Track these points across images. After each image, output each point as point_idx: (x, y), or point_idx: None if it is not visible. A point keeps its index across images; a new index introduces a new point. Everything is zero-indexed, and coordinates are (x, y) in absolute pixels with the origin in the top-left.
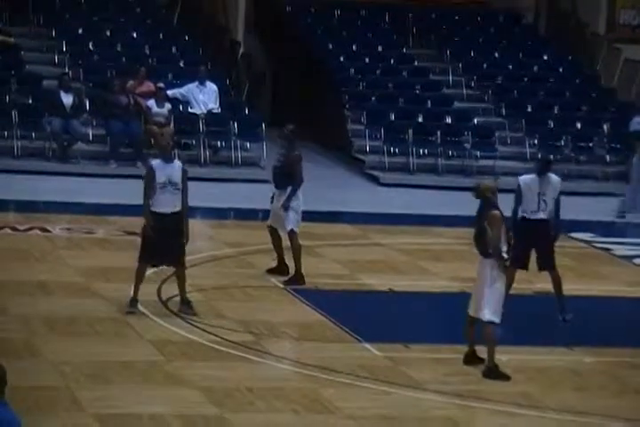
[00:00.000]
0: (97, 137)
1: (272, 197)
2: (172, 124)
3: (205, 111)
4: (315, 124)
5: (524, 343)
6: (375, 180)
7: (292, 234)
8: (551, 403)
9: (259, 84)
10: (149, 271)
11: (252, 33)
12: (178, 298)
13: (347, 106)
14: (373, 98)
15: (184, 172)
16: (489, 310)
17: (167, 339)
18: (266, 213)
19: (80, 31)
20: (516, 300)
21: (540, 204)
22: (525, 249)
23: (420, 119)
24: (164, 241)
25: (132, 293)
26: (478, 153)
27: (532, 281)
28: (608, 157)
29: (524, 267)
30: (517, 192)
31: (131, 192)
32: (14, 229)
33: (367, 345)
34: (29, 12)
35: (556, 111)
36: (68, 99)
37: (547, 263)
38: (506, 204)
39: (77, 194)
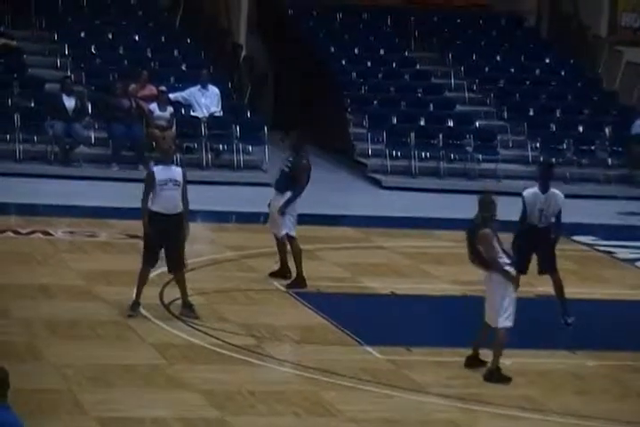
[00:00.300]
0: (99, 140)
1: (269, 204)
2: (174, 128)
3: (207, 114)
4: (317, 127)
5: (527, 347)
6: (377, 183)
7: (289, 238)
8: (553, 406)
9: (261, 88)
10: (151, 275)
11: (254, 36)
12: (180, 301)
13: (349, 109)
14: (375, 101)
15: (184, 174)
16: (502, 317)
17: (169, 342)
18: (267, 217)
19: (82, 35)
20: (518, 303)
21: (540, 218)
22: (525, 253)
23: (422, 122)
24: (165, 244)
25: (134, 296)
26: (480, 156)
27: (534, 284)
28: (610, 160)
29: (523, 271)
30: (522, 205)
31: (133, 195)
32: (16, 232)
33: (369, 348)
34: (32, 16)
35: (557, 114)
36: (70, 102)
37: (548, 266)
38: (507, 207)
39: (79, 197)
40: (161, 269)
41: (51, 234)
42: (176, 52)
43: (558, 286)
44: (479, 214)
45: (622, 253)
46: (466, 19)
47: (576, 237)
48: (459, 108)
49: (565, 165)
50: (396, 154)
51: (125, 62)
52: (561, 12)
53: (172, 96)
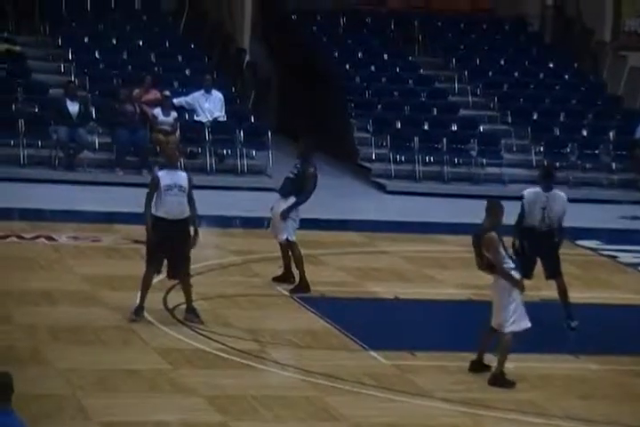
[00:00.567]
0: (103, 145)
1: (272, 207)
2: (177, 133)
3: (211, 119)
4: (320, 132)
5: (530, 351)
6: (381, 187)
7: (289, 243)
8: (557, 411)
9: (264, 93)
10: (155, 280)
11: (257, 41)
12: (184, 306)
13: (352, 114)
14: (379, 106)
15: (189, 179)
16: (509, 322)
17: (173, 347)
18: (270, 221)
19: (86, 40)
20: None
21: (543, 218)
22: (529, 258)
23: (426, 127)
24: (169, 251)
25: (137, 300)
26: (484, 160)
27: (540, 288)
28: (614, 165)
29: (528, 277)
30: (521, 205)
31: (137, 200)
32: (20, 237)
33: (373, 353)
34: (35, 21)
35: (561, 119)
36: (74, 107)
37: (552, 272)
38: (512, 212)
39: (83, 202)
40: (165, 274)
41: (55, 239)
42: (180, 57)
43: (562, 291)
44: (486, 220)
45: (626, 258)
46: (470, 23)
47: (580, 242)
48: (462, 112)
49: (569, 169)
50: (400, 158)
51: (129, 67)
52: (565, 17)
53: (175, 101)
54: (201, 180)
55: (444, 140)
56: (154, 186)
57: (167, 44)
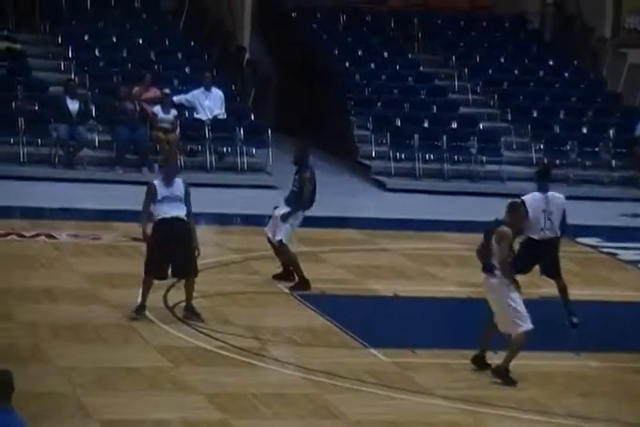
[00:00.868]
0: (103, 143)
1: (275, 207)
2: (177, 131)
3: (211, 117)
4: (320, 129)
5: (531, 348)
6: (381, 185)
7: (282, 245)
8: (557, 408)
9: (264, 90)
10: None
11: (257, 39)
12: (184, 304)
13: (352, 111)
14: (379, 103)
15: (187, 188)
16: (520, 321)
17: (173, 345)
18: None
19: (86, 38)
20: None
21: (545, 222)
22: (528, 262)
23: (426, 124)
24: (170, 251)
25: (139, 299)
26: (484, 158)
27: (539, 285)
28: (614, 162)
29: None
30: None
31: (137, 198)
32: (20, 235)
33: (373, 351)
34: (35, 19)
35: (561, 116)
36: (74, 105)
37: (552, 273)
38: None
39: (83, 200)
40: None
41: (55, 237)
42: (180, 55)
43: (562, 289)
44: (507, 218)
45: (626, 255)
46: (469, 21)
47: (580, 239)
48: (462, 110)
49: (569, 166)
50: (400, 156)
51: (129, 65)
52: (565, 14)
53: (175, 99)
54: (201, 177)
55: (444, 137)
56: (150, 196)
57: (167, 42)
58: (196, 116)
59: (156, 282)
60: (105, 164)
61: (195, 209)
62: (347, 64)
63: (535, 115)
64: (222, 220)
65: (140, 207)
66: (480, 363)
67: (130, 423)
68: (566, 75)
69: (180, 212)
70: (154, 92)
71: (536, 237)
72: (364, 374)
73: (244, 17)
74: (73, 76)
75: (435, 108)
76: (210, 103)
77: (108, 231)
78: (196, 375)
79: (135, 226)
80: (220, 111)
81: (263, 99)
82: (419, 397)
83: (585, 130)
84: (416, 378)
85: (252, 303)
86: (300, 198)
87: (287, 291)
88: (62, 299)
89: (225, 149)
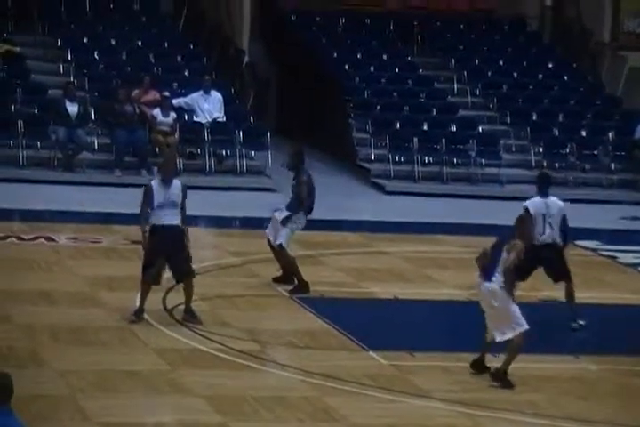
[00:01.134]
0: (102, 146)
1: (275, 209)
2: (176, 134)
3: (210, 120)
4: (320, 132)
5: (530, 351)
6: (380, 188)
7: (281, 249)
8: (556, 411)
9: (263, 93)
10: None
11: (256, 42)
12: (182, 307)
13: (352, 114)
14: (378, 106)
15: (184, 191)
16: (517, 326)
17: (172, 348)
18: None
19: (85, 40)
20: (521, 307)
21: (545, 226)
22: (527, 268)
23: (425, 127)
24: (168, 257)
25: (137, 303)
26: (483, 161)
27: (539, 289)
28: (613, 165)
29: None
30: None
31: (135, 201)
32: (20, 238)
33: (372, 353)
34: (34, 22)
35: (560, 119)
36: (73, 108)
37: (562, 276)
38: (510, 212)
39: (83, 203)
40: (165, 275)
41: (54, 240)
42: (179, 58)
43: (569, 293)
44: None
45: (625, 258)
46: (469, 24)
47: (579, 242)
48: (461, 112)
49: (568, 169)
50: (399, 159)
51: (128, 68)
52: (564, 17)
53: (174, 102)
54: (200, 180)
55: (443, 140)
56: (147, 198)
57: (166, 45)
58: (195, 119)
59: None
60: (104, 166)
61: (194, 212)
62: (346, 67)
63: (534, 118)
64: (221, 223)
65: (138, 210)
66: (479, 367)
67: (129, 426)
68: (565, 78)
69: (173, 219)
70: (153, 95)
71: (535, 242)
72: (363, 377)
73: (242, 20)
74: (72, 79)
75: (434, 110)
76: (209, 106)
77: (107, 234)
78: (194, 378)
79: (134, 229)
80: (219, 114)
81: (262, 102)
82: (417, 399)
83: (584, 133)
84: (415, 381)
85: (251, 306)
86: (298, 202)
87: (286, 294)
88: (61, 302)
89: (224, 152)
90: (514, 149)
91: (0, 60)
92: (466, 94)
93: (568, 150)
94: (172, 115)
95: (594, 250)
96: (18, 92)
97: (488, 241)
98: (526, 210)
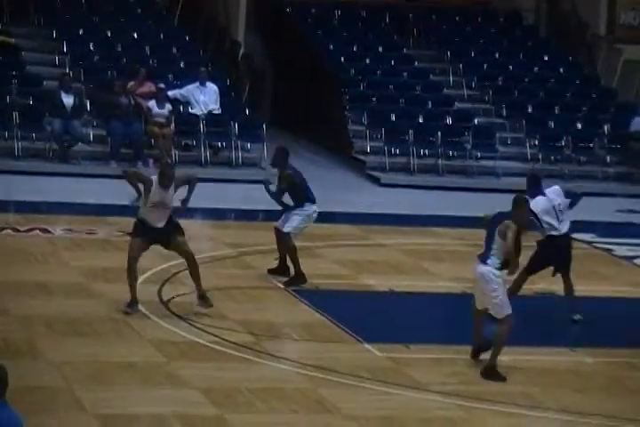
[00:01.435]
0: (97, 138)
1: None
2: (172, 125)
3: (206, 112)
4: (315, 125)
5: (526, 344)
6: (376, 180)
7: (286, 233)
8: (552, 404)
9: (259, 85)
10: (150, 273)
11: (252, 33)
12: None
13: (347, 107)
14: (374, 99)
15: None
16: (502, 307)
17: (167, 340)
18: (266, 214)
19: (80, 32)
20: (517, 300)
21: (559, 216)
22: (542, 262)
23: (421, 120)
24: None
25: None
26: (479, 153)
27: (534, 281)
28: (608, 158)
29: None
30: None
31: (131, 193)
32: (15, 229)
33: (368, 346)
34: (30, 13)
35: (556, 112)
36: (68, 99)
37: (565, 270)
38: (506, 205)
39: (78, 194)
40: (160, 267)
41: (49, 231)
42: (174, 50)
43: (569, 287)
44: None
45: (621, 251)
46: (464, 16)
47: (575, 235)
48: (457, 105)
49: (564, 162)
50: (395, 151)
51: (124, 60)
52: (559, 10)
53: (170, 93)
54: (195, 172)
55: (439, 133)
56: (148, 187)
57: (162, 37)
58: (190, 110)
59: (149, 276)
60: (99, 158)
61: (189, 204)
62: (342, 59)
63: (530, 110)
64: (217, 214)
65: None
66: (478, 355)
67: (124, 418)
68: (561, 70)
69: (163, 222)
70: (148, 87)
71: (555, 233)
72: (358, 370)
73: (238, 12)
74: (67, 71)
75: (430, 103)
76: (205, 98)
77: (102, 226)
78: (190, 370)
79: (130, 220)
80: (214, 106)
81: (258, 94)
82: (413, 392)
83: (580, 125)
84: (410, 373)
85: (246, 298)
86: (293, 195)
87: (282, 286)
88: (57, 293)
89: (220, 144)
90: (509, 142)
91: None
92: (461, 87)
93: (564, 143)
94: (168, 106)
95: (589, 243)
96: (13, 84)
97: (484, 234)
98: (526, 200)
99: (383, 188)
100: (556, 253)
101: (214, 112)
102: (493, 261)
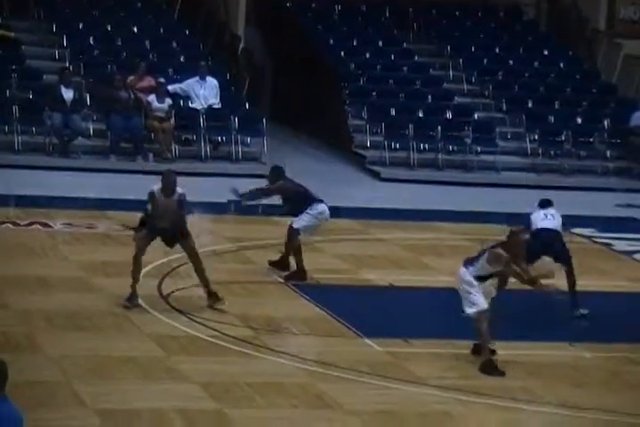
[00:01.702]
0: (97, 132)
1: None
2: (172, 120)
3: (206, 106)
4: (315, 119)
5: (525, 339)
6: (376, 175)
7: (294, 230)
8: (551, 398)
9: (259, 79)
10: (150, 266)
11: (252, 28)
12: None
13: (347, 101)
14: (374, 93)
15: (180, 202)
16: (472, 305)
17: (167, 334)
18: (265, 208)
19: (80, 26)
20: (516, 295)
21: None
22: (537, 253)
23: (421, 114)
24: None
25: (130, 288)
26: (479, 148)
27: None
28: (608, 153)
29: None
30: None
31: (131, 187)
32: (15, 224)
33: (367, 340)
34: (30, 7)
35: (556, 106)
36: (68, 94)
37: (565, 259)
38: (505, 199)
39: (78, 189)
40: (160, 261)
41: (49, 226)
42: (174, 44)
43: (571, 281)
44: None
45: (620, 246)
46: (465, 11)
47: (574, 230)
48: (457, 99)
49: (564, 157)
50: (395, 146)
51: (124, 54)
52: (560, 5)
53: (170, 88)
54: (195, 166)
55: (439, 127)
56: (152, 201)
57: (162, 31)
58: (190, 105)
59: (148, 270)
60: (99, 152)
61: (189, 198)
62: (342, 54)
63: (530, 105)
64: (217, 209)
65: (134, 196)
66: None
67: (124, 412)
68: (561, 65)
69: (166, 224)
70: (148, 81)
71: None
72: (358, 364)
73: (238, 6)
74: (67, 65)
75: (429, 97)
76: (204, 92)
77: (102, 220)
78: (190, 364)
79: (130, 215)
80: (214, 100)
81: (258, 88)
82: (412, 386)
83: (580, 120)
84: (410, 368)
85: (246, 293)
86: (297, 199)
87: (282, 280)
88: (57, 287)
89: (220, 139)
90: (509, 137)
91: None
92: (461, 81)
93: (564, 138)
94: (168, 101)
95: (589, 237)
96: (13, 78)
97: (484, 228)
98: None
99: (383, 182)
100: (548, 243)
101: (214, 106)
102: (472, 270)
